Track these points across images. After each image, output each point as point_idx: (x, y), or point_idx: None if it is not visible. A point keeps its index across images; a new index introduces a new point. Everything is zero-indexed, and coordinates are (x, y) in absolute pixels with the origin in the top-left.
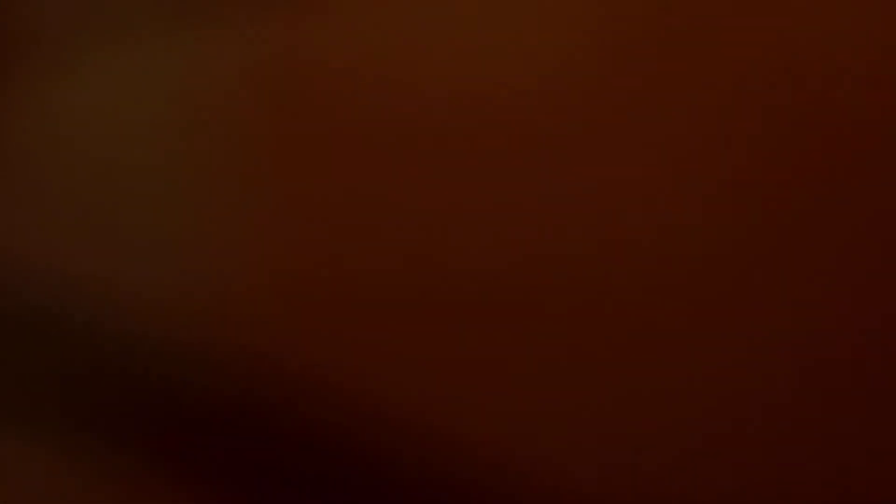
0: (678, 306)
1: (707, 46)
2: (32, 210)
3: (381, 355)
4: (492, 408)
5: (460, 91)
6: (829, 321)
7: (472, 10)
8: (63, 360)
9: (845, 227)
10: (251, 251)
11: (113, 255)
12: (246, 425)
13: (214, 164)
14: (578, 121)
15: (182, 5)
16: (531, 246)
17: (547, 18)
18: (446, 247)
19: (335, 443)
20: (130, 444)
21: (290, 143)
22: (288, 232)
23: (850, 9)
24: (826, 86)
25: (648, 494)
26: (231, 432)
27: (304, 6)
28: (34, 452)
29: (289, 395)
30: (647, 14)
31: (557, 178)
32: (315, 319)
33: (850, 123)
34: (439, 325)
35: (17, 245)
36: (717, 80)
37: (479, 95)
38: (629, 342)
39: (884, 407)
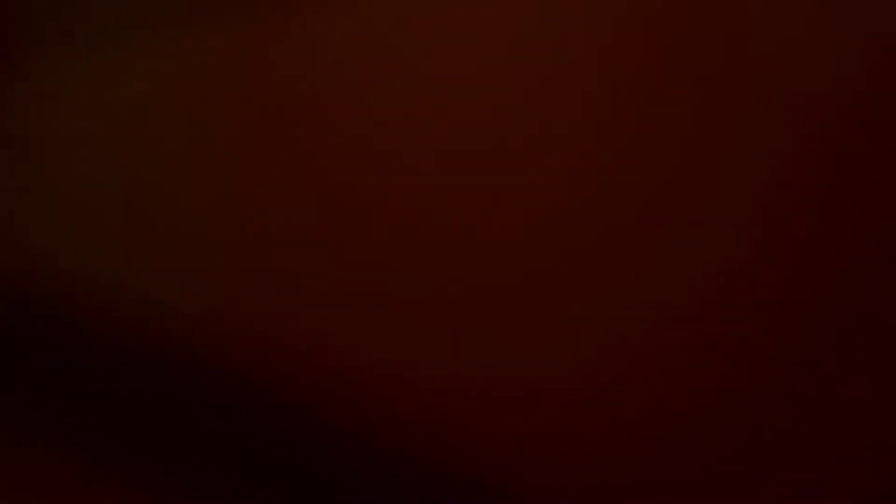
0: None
1: None
2: (30, 209)
3: (381, 354)
4: (492, 400)
5: (451, 94)
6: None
7: (464, 13)
8: (64, 360)
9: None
10: (244, 250)
11: (108, 253)
12: (245, 425)
13: (207, 164)
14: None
15: (174, 8)
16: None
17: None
18: (439, 241)
19: (334, 436)
20: (129, 444)
21: (283, 144)
22: (280, 231)
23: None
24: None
25: (646, 476)
26: (230, 431)
27: (297, 9)
28: (34, 452)
29: (285, 389)
30: None
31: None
32: (310, 315)
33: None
34: (434, 322)
35: (16, 244)
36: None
37: (471, 99)
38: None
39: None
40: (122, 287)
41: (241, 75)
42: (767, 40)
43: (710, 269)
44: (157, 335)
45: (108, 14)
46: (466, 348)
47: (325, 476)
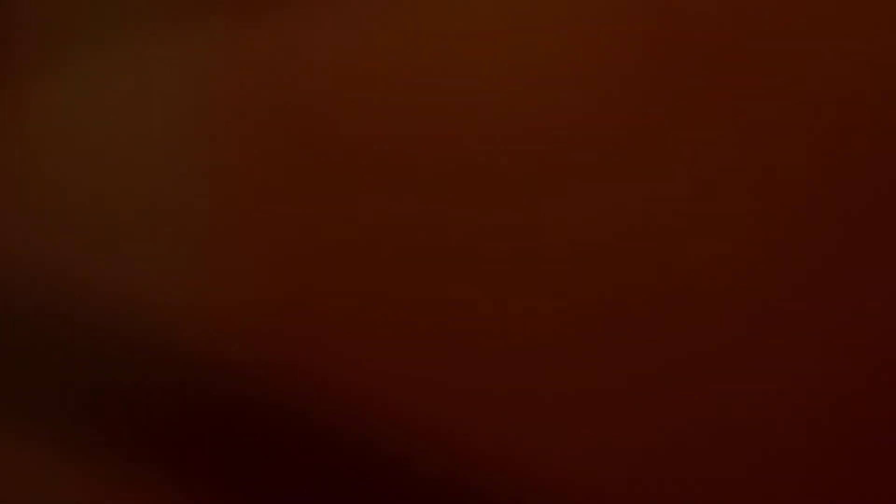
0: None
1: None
2: (27, 212)
3: (382, 363)
4: (494, 418)
5: (459, 102)
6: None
7: (476, 18)
8: (64, 361)
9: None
10: (241, 256)
11: (105, 256)
12: (244, 427)
13: (207, 168)
14: (588, 147)
15: (174, 8)
16: (533, 260)
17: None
18: (444, 252)
19: (335, 447)
20: (131, 446)
21: (282, 147)
22: (280, 237)
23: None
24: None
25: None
26: (230, 433)
27: (301, 9)
28: (34, 453)
29: (286, 399)
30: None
31: (563, 212)
32: (313, 322)
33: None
34: (438, 337)
35: (16, 245)
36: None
37: (478, 107)
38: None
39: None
40: (122, 287)
41: (243, 75)
42: (774, 37)
43: (716, 272)
44: (157, 335)
45: (106, 14)
46: (471, 354)
47: (329, 478)
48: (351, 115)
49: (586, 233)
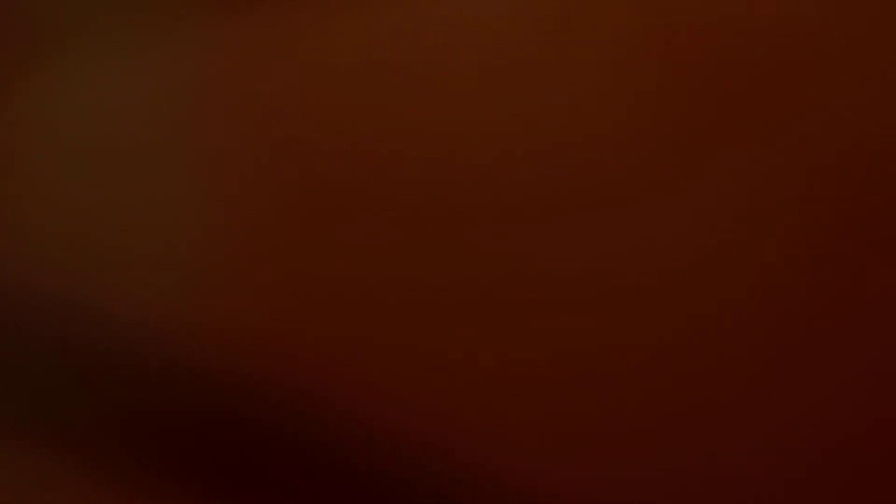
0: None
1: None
2: (30, 214)
3: (380, 373)
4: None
5: (461, 104)
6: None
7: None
8: (63, 363)
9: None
10: (230, 259)
11: (107, 257)
12: (242, 430)
13: (194, 170)
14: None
15: (164, 8)
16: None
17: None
18: (439, 245)
19: (330, 454)
20: (130, 447)
21: (275, 149)
22: (272, 241)
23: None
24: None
25: None
26: (230, 435)
27: (297, 5)
28: (34, 454)
29: (283, 417)
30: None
31: (567, 251)
32: (314, 338)
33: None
34: (444, 359)
35: (14, 247)
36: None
37: (481, 110)
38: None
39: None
40: (119, 292)
41: (244, 78)
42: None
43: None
44: (154, 342)
45: (106, 16)
46: (476, 375)
47: (329, 482)
48: (351, 118)
49: (607, 261)
